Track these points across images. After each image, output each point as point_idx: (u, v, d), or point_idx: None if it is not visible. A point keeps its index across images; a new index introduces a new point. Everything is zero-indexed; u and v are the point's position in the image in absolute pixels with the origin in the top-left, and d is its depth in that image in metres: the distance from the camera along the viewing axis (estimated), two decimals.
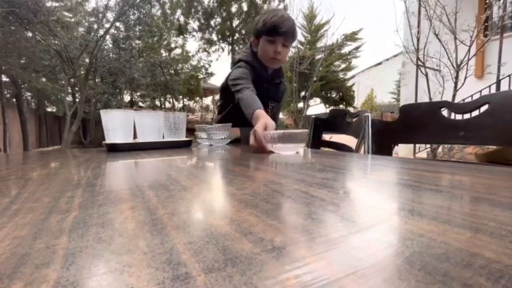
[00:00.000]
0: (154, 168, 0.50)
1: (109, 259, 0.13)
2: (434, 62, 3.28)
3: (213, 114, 10.49)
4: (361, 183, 0.34)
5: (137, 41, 7.51)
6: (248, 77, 1.08)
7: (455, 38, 2.99)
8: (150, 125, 0.92)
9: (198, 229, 0.17)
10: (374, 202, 0.24)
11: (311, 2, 13.27)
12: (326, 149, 1.18)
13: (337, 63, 14.43)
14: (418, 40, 3.37)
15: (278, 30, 1.05)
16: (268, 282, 0.11)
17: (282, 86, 1.27)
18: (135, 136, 0.92)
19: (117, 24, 6.96)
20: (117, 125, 0.84)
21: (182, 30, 8.10)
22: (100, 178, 0.38)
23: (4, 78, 6.60)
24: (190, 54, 8.76)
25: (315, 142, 1.21)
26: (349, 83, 14.81)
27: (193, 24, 8.26)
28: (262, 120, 0.78)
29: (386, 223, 0.18)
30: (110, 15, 6.80)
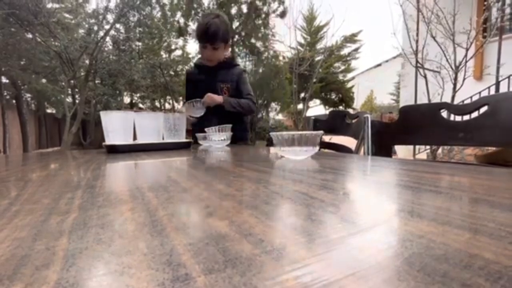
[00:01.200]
0: (154, 169, 0.50)
1: (109, 260, 0.13)
2: (433, 64, 3.29)
3: None
4: (361, 184, 0.34)
5: (137, 43, 7.52)
6: (188, 93, 1.43)
7: (453, 41, 3.00)
8: (150, 126, 0.92)
9: (198, 230, 0.17)
10: (373, 203, 0.24)
11: (311, 4, 13.33)
12: (326, 150, 1.18)
13: (336, 64, 14.46)
14: (416, 42, 3.38)
15: (203, 38, 1.29)
16: (268, 283, 0.11)
17: (235, 70, 1.44)
18: (135, 138, 0.92)
19: (117, 25, 6.97)
20: (117, 126, 0.85)
21: (182, 32, 8.12)
22: (99, 179, 0.38)
23: (4, 80, 6.60)
24: (190, 56, 8.78)
25: None
26: (349, 85, 14.84)
27: (193, 26, 8.28)
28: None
29: (385, 224, 0.18)
30: (110, 17, 6.81)
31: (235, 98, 1.38)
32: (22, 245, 0.15)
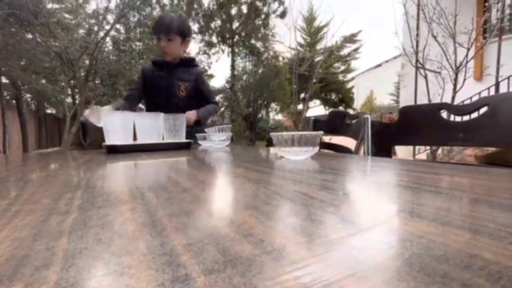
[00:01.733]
0: (154, 169, 0.50)
1: (108, 260, 0.13)
2: (434, 64, 3.29)
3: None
4: (361, 184, 0.34)
5: (137, 43, 7.52)
6: (134, 87, 1.43)
7: (454, 41, 3.00)
8: (150, 126, 0.92)
9: (197, 230, 0.17)
10: (373, 203, 0.24)
11: (311, 4, 13.35)
12: (326, 150, 1.18)
13: (336, 65, 14.47)
14: (417, 42, 3.38)
15: (156, 29, 1.31)
16: (268, 284, 0.11)
17: (195, 69, 1.45)
18: (135, 138, 0.92)
19: (117, 26, 6.98)
20: (117, 126, 0.85)
21: None
22: (99, 179, 0.38)
23: (4, 80, 6.60)
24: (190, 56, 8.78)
25: None
26: (349, 85, 14.85)
27: (193, 26, 8.28)
28: None
29: (385, 225, 0.18)
30: (110, 17, 6.82)
31: (193, 98, 1.41)
32: (22, 245, 0.15)
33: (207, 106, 1.45)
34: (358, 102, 15.05)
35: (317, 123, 1.27)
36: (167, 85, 1.38)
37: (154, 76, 1.39)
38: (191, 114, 1.31)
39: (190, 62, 1.45)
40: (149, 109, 1.44)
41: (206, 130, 1.08)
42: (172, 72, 1.39)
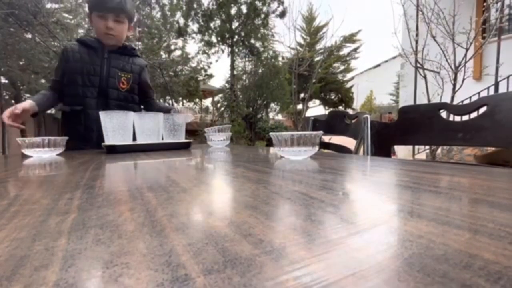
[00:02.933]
0: (153, 169, 0.50)
1: (108, 260, 0.13)
2: (433, 64, 3.30)
3: (213, 115, 10.49)
4: (360, 184, 0.34)
5: (137, 43, 7.52)
6: (57, 69, 1.15)
7: (453, 41, 3.01)
8: (150, 126, 0.92)
9: (197, 230, 0.17)
10: (373, 203, 0.24)
11: (310, 4, 13.36)
12: (325, 150, 1.18)
13: (336, 64, 14.49)
14: (416, 42, 3.39)
15: (105, 4, 1.06)
16: (267, 284, 0.11)
17: (137, 60, 1.26)
18: (134, 138, 0.92)
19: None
20: (116, 126, 0.84)
21: (181, 32, 8.12)
22: (99, 179, 0.38)
23: (3, 80, 6.59)
24: (189, 56, 8.79)
25: None
26: (348, 85, 14.86)
27: (193, 26, 8.27)
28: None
29: (385, 225, 0.18)
30: None
31: (134, 93, 1.23)
32: (21, 246, 0.15)
33: (166, 105, 1.29)
34: (358, 102, 15.07)
35: (317, 123, 1.27)
36: (103, 74, 1.14)
37: (84, 60, 1.12)
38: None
39: (131, 51, 1.24)
40: (71, 101, 1.12)
41: (206, 130, 1.08)
42: (110, 60, 1.16)
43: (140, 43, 7.56)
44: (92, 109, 1.13)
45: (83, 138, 1.13)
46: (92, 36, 1.20)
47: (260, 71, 8.53)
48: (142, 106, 1.35)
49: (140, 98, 1.30)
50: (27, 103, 1.01)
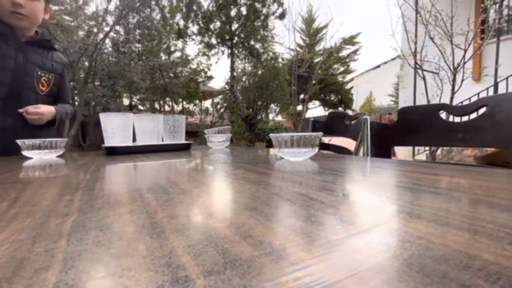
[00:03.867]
0: (153, 171, 0.50)
1: (108, 262, 0.13)
2: (432, 65, 3.30)
3: (212, 117, 10.49)
4: (360, 185, 0.34)
5: (137, 45, 7.54)
6: None
7: (451, 42, 3.02)
8: (149, 128, 0.92)
9: (197, 232, 0.17)
10: (373, 204, 0.24)
11: (310, 6, 13.41)
12: (325, 151, 1.18)
13: (335, 66, 14.52)
14: (415, 43, 3.40)
15: None
16: (267, 285, 0.11)
17: (56, 56, 1.01)
18: (134, 139, 0.92)
19: (117, 27, 6.99)
20: (116, 128, 0.84)
21: (181, 34, 8.14)
22: (99, 181, 0.38)
23: None
24: (189, 58, 8.81)
25: None
26: (348, 86, 14.89)
27: (193, 28, 8.29)
28: None
29: (385, 226, 0.18)
30: (109, 19, 6.83)
31: (52, 96, 1.00)
32: (21, 248, 0.15)
33: (64, 104, 1.04)
34: (357, 103, 15.08)
35: (317, 124, 1.27)
36: (17, 71, 0.88)
37: None
38: (48, 109, 0.91)
39: (48, 44, 0.98)
40: None
41: (205, 131, 1.08)
42: (26, 53, 0.90)
43: (140, 45, 7.58)
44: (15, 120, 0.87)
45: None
46: None
47: (259, 72, 8.54)
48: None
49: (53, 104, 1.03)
50: None
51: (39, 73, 0.94)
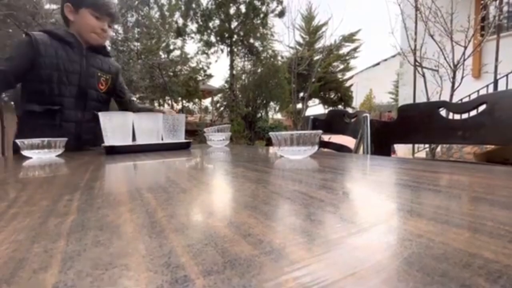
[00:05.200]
0: (153, 170, 0.50)
1: (107, 262, 0.13)
2: (431, 63, 3.30)
3: (212, 115, 10.48)
4: (360, 183, 0.34)
5: (136, 43, 7.51)
6: (15, 60, 0.96)
7: (451, 39, 3.01)
8: (149, 127, 0.92)
9: (197, 231, 0.17)
10: (373, 202, 0.24)
11: (310, 3, 13.35)
12: (325, 149, 1.18)
13: (335, 64, 14.48)
14: (414, 41, 3.39)
15: (108, 10, 1.07)
16: (267, 285, 0.11)
17: (111, 61, 1.22)
18: (133, 138, 0.92)
19: (115, 26, 6.96)
20: (115, 127, 0.84)
21: (180, 32, 8.12)
22: (98, 180, 0.38)
23: None
24: (189, 56, 8.78)
25: None
26: (348, 84, 14.86)
27: (192, 26, 8.26)
28: None
29: (385, 224, 0.18)
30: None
31: (110, 94, 1.21)
32: (20, 248, 0.15)
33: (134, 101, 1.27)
34: (357, 101, 15.07)
35: (316, 122, 1.27)
36: (82, 73, 1.07)
37: (60, 55, 1.01)
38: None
39: (106, 51, 1.19)
40: (44, 100, 1.01)
41: (205, 130, 1.08)
42: (89, 58, 1.10)
43: (138, 43, 7.56)
44: (70, 110, 1.06)
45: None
46: (62, 29, 1.08)
47: (259, 70, 8.52)
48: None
49: (118, 101, 1.28)
50: None
51: (99, 74, 1.13)
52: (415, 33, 3.41)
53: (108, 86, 1.17)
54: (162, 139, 0.98)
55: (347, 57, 14.49)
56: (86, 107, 1.10)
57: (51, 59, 1.00)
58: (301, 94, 11.15)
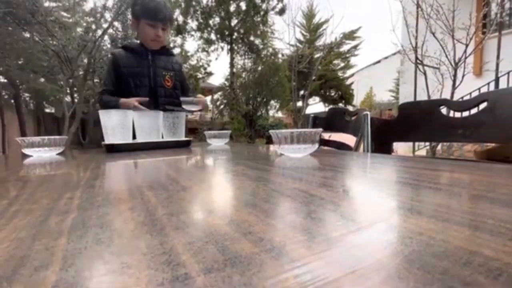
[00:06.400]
0: (153, 168, 0.50)
1: (108, 260, 0.13)
2: (432, 60, 3.28)
3: (212, 113, 10.47)
4: (360, 181, 0.34)
5: (136, 41, 7.50)
6: (110, 75, 1.25)
7: (453, 37, 2.99)
8: (149, 125, 0.92)
9: (197, 229, 0.17)
10: (373, 200, 0.24)
11: (310, 1, 13.28)
12: (325, 147, 1.18)
13: (336, 61, 14.43)
14: (416, 38, 3.37)
15: (158, 16, 1.20)
16: (267, 282, 0.11)
17: (174, 58, 1.39)
18: (134, 137, 0.92)
19: (115, 24, 6.93)
20: (116, 125, 0.84)
21: (180, 30, 8.08)
22: (99, 179, 0.38)
23: (2, 79, 6.58)
24: (189, 54, 8.75)
25: None
26: (348, 82, 14.81)
27: (192, 24, 8.21)
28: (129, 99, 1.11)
29: (385, 222, 0.18)
30: (108, 15, 6.77)
31: (176, 88, 1.37)
32: (21, 246, 0.15)
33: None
34: (358, 99, 15.03)
35: (317, 120, 1.27)
36: (151, 75, 1.28)
37: (132, 63, 1.25)
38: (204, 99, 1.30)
39: (169, 51, 1.38)
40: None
41: (206, 133, 1.08)
42: (154, 61, 1.30)
43: (138, 41, 7.51)
44: (144, 107, 1.21)
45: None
46: (133, 42, 1.36)
47: (259, 68, 8.49)
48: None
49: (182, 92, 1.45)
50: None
51: (163, 73, 1.31)
52: (416, 31, 3.39)
53: (173, 82, 1.34)
54: (162, 137, 0.98)
55: (348, 55, 14.43)
56: (158, 104, 1.26)
57: (128, 68, 1.24)
58: (302, 92, 11.12)
